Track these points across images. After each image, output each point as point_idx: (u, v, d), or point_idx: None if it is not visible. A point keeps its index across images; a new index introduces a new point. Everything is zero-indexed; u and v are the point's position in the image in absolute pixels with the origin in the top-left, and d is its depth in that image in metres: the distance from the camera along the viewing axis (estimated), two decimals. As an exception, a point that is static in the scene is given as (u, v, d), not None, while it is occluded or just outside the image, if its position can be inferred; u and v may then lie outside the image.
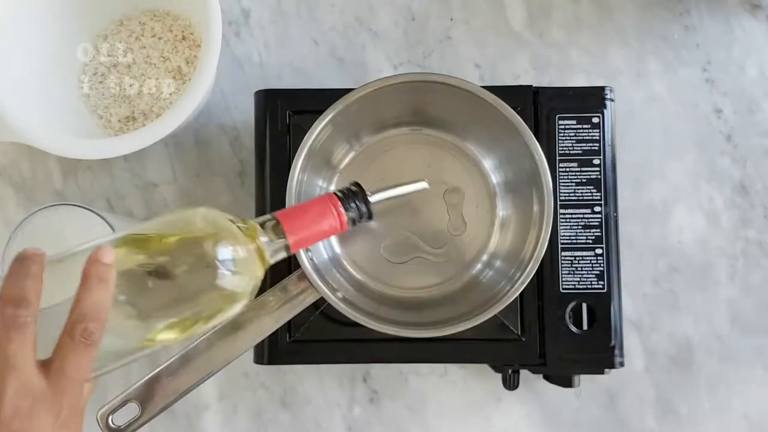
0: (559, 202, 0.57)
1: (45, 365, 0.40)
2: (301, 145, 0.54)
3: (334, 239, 0.58)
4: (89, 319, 0.39)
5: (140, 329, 0.43)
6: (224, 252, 0.43)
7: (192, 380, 0.50)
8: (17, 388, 0.39)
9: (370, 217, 0.50)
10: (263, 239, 0.46)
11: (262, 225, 0.47)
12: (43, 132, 0.56)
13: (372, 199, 0.51)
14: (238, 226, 0.45)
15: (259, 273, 0.46)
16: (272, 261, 0.47)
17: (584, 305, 0.57)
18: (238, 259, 0.44)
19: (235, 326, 0.51)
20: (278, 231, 0.46)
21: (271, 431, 0.64)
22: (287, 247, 0.47)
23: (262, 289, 0.54)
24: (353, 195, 0.50)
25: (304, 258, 0.52)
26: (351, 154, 0.59)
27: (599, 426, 0.64)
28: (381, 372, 0.64)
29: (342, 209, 0.48)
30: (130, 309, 0.42)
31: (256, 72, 0.67)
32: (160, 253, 0.43)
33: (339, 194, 0.49)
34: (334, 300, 0.53)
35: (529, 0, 0.67)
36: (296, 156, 0.54)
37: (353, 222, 0.49)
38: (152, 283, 0.42)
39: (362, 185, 0.50)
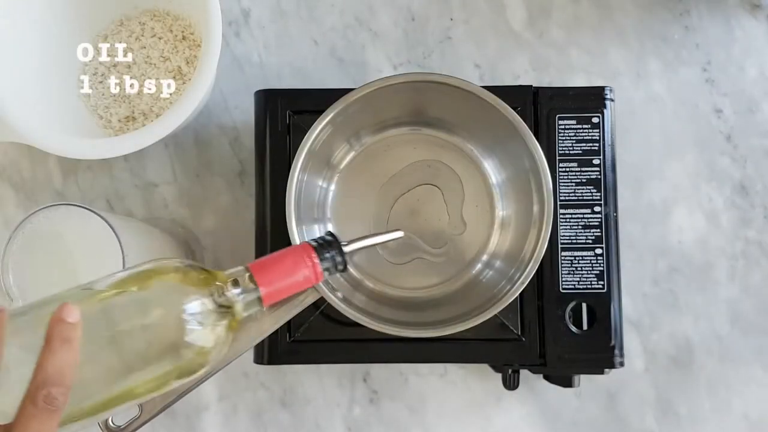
0: (559, 202, 0.57)
1: None
2: (301, 145, 0.54)
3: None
4: (52, 384, 0.37)
5: (101, 391, 0.41)
6: (192, 306, 0.42)
7: (192, 380, 0.50)
8: None
9: (344, 267, 0.48)
10: (234, 291, 0.44)
11: (233, 276, 0.45)
12: (43, 132, 0.56)
13: (347, 249, 0.48)
14: (207, 278, 0.43)
15: (228, 329, 0.44)
16: (245, 314, 0.45)
17: (584, 305, 0.57)
18: (206, 312, 0.42)
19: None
20: (250, 282, 0.44)
21: (271, 431, 0.64)
22: (260, 300, 0.45)
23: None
24: (328, 245, 0.47)
25: (304, 258, 0.52)
26: (351, 154, 0.59)
27: (599, 426, 0.64)
28: (381, 372, 0.64)
29: (317, 260, 0.46)
30: (93, 369, 0.40)
31: (256, 72, 0.67)
32: (123, 310, 0.41)
33: (314, 244, 0.47)
34: (334, 300, 0.53)
35: (529, 0, 0.67)
36: (296, 156, 0.54)
37: (328, 272, 0.48)
38: (115, 343, 0.40)
39: (336, 236, 0.48)
